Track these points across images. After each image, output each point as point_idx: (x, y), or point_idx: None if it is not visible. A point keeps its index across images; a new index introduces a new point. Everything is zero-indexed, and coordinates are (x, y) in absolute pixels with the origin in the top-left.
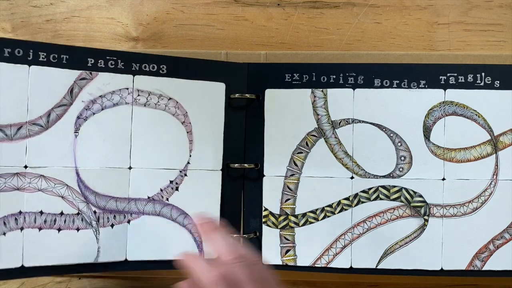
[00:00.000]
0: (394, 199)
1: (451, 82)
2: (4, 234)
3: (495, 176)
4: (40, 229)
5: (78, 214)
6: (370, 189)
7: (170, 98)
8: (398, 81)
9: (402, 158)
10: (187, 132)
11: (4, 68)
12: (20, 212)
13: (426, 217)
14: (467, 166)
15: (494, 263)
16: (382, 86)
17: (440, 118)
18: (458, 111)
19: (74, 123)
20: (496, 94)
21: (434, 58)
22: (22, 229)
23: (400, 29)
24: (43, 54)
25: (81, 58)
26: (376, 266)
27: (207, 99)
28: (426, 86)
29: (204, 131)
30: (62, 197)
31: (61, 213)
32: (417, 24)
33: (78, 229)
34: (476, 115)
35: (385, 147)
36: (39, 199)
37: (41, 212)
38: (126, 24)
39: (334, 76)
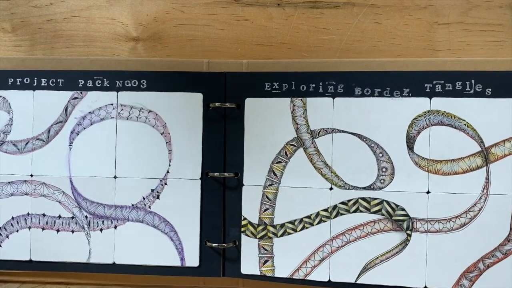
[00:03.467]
0: (374, 212)
1: (437, 90)
2: (17, 231)
3: (485, 190)
4: (43, 229)
5: (72, 217)
6: (349, 200)
7: (150, 111)
8: (380, 90)
9: (384, 170)
10: (167, 143)
11: (16, 94)
12: (28, 214)
13: (409, 232)
14: (454, 179)
15: (484, 283)
16: (363, 95)
17: (425, 128)
18: (445, 120)
19: (69, 137)
20: (488, 103)
21: (421, 65)
22: (29, 228)
23: (400, 29)
24: (44, 80)
25: (73, 80)
26: (356, 281)
27: (185, 110)
28: (410, 95)
29: (182, 141)
30: (60, 202)
31: (59, 216)
32: (417, 24)
33: (73, 231)
34: (465, 124)
35: (366, 157)
36: (42, 203)
37: (44, 215)
38: (126, 24)
39: (314, 85)
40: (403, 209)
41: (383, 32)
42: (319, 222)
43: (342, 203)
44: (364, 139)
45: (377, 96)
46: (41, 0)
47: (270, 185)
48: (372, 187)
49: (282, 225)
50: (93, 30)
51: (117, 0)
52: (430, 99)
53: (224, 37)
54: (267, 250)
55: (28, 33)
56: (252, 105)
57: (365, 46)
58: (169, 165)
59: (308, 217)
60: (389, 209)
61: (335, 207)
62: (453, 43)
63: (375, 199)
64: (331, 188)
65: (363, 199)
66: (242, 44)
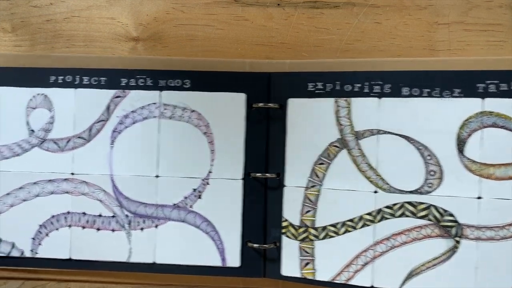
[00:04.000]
0: (421, 217)
1: (490, 90)
2: (57, 229)
3: None
4: (83, 227)
5: (113, 216)
6: (395, 205)
7: (193, 111)
8: (429, 90)
9: (432, 173)
10: (209, 142)
11: (58, 92)
12: (68, 212)
13: (457, 239)
14: (508, 184)
15: None
16: (411, 95)
17: (477, 130)
18: (499, 122)
19: (110, 136)
20: None
21: (470, 64)
22: (70, 226)
23: (400, 29)
24: (86, 78)
25: (116, 79)
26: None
27: (228, 110)
28: (462, 95)
29: (225, 141)
30: (100, 200)
31: (100, 215)
32: (417, 24)
33: (113, 230)
34: None
35: (413, 160)
36: (82, 201)
37: (84, 213)
38: (126, 24)
39: (359, 85)
40: (451, 215)
41: (383, 32)
42: (362, 226)
43: (387, 207)
44: (412, 141)
45: (426, 97)
46: (41, 0)
47: (312, 186)
48: (419, 191)
49: (324, 228)
50: (93, 30)
51: (117, 0)
52: (483, 100)
53: (224, 37)
54: (308, 253)
55: (28, 33)
56: (294, 105)
57: (365, 46)
58: (211, 165)
59: (351, 220)
60: (437, 215)
61: (379, 211)
62: (453, 43)
63: (422, 203)
64: (375, 191)
65: (409, 203)
66: (242, 44)
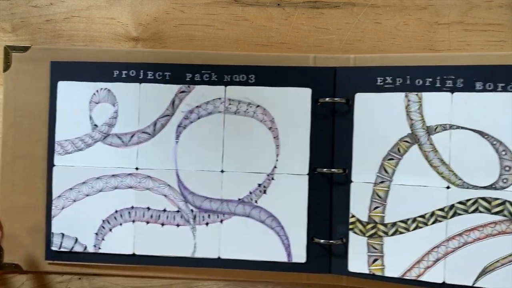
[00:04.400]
0: (496, 213)
1: None
2: (121, 224)
3: None
4: (147, 222)
5: (178, 211)
6: (468, 200)
7: (258, 106)
8: (503, 84)
9: (507, 169)
10: (274, 137)
11: (122, 87)
12: (132, 207)
13: None
14: None
15: None
16: (484, 90)
17: None
18: None
19: (175, 131)
20: None
21: None
22: (133, 221)
23: (400, 29)
24: (150, 73)
25: (180, 74)
26: (473, 284)
27: (293, 105)
28: None
29: (290, 136)
30: (165, 195)
31: (164, 210)
32: (417, 24)
33: (178, 225)
34: None
35: (487, 155)
36: (147, 196)
37: (148, 208)
38: (126, 24)
39: (430, 79)
40: None
41: (383, 32)
42: (434, 222)
43: (460, 202)
44: (486, 136)
45: (500, 91)
46: (41, 0)
47: (381, 182)
48: (493, 186)
49: (394, 224)
50: (93, 30)
51: (117, 0)
52: None
53: (224, 37)
54: (377, 249)
55: (28, 33)
56: (362, 100)
57: (365, 46)
58: (277, 160)
59: (422, 216)
60: None
61: (452, 206)
62: (453, 43)
63: (497, 199)
64: (448, 187)
65: (484, 199)
66: (242, 44)
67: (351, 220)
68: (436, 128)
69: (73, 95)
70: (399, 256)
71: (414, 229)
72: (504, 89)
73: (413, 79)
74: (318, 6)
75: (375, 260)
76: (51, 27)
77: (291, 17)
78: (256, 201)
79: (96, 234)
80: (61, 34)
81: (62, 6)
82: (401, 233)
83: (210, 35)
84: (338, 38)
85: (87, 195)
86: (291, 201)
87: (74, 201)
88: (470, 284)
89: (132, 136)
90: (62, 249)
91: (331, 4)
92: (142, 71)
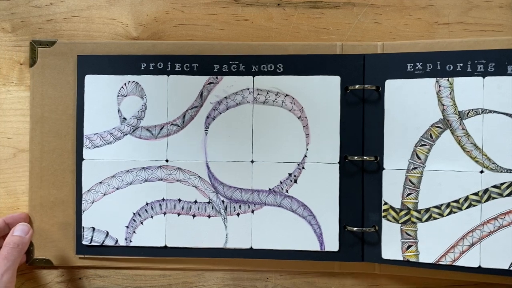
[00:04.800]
0: None
1: None
2: (152, 217)
3: None
4: (178, 214)
5: (209, 202)
6: (502, 184)
7: (286, 95)
8: None
9: None
10: (304, 126)
11: (150, 79)
12: (163, 199)
13: None
14: None
15: None
16: None
17: None
18: None
19: (204, 122)
20: None
21: None
22: (165, 213)
23: (400, 29)
24: (178, 65)
25: (208, 65)
26: (510, 267)
27: (323, 93)
28: None
29: (320, 125)
30: (196, 187)
31: (195, 201)
32: (417, 24)
33: (209, 216)
34: None
35: None
36: (177, 188)
37: (179, 200)
38: (126, 24)
39: (461, 64)
40: None
41: (383, 32)
42: (468, 207)
43: (494, 186)
44: None
45: None
46: (41, 0)
47: (414, 168)
48: None
49: (427, 210)
50: (93, 30)
51: (117, 0)
52: None
53: (224, 37)
54: (411, 235)
55: (28, 33)
56: (393, 86)
57: None
58: (307, 149)
59: (456, 201)
60: None
61: (486, 190)
62: None
63: None
64: (481, 171)
65: None
66: None
67: (383, 207)
68: (468, 113)
69: (100, 88)
70: (433, 242)
71: (448, 214)
72: None
73: (443, 64)
74: (318, 6)
75: (409, 247)
76: (51, 27)
77: (291, 17)
78: (287, 191)
79: (127, 227)
80: (61, 34)
81: (62, 6)
82: (435, 218)
83: (210, 35)
84: (338, 38)
85: (117, 189)
86: (322, 189)
87: (104, 194)
88: (506, 267)
89: (161, 129)
90: (93, 243)
91: (331, 4)
92: (169, 63)
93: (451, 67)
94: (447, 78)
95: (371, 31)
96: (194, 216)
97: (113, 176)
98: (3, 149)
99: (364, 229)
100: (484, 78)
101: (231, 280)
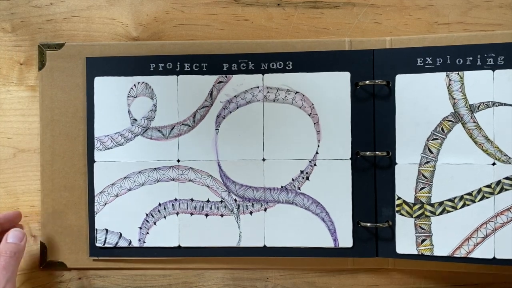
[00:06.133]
0: None
1: None
2: (165, 217)
3: None
4: (191, 214)
5: (221, 201)
6: None
7: (296, 92)
8: None
9: None
10: (314, 123)
11: (159, 80)
12: (176, 199)
13: None
14: None
15: None
16: None
17: None
18: None
19: (215, 122)
20: None
21: None
22: (177, 213)
23: (400, 29)
24: (187, 65)
25: (217, 64)
26: None
27: (333, 89)
28: None
29: (331, 121)
30: (208, 186)
31: (208, 201)
32: (417, 24)
33: (222, 215)
34: None
35: None
36: (190, 188)
37: (192, 200)
38: (126, 24)
39: (471, 58)
40: None
41: (383, 32)
42: (481, 199)
43: (507, 178)
44: None
45: None
46: (41, 0)
47: (426, 163)
48: None
49: (441, 203)
50: (93, 30)
51: (117, 0)
52: None
53: (224, 37)
54: (425, 229)
55: (28, 33)
56: (403, 81)
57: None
58: (318, 146)
59: (469, 194)
60: None
61: (498, 182)
62: None
63: None
64: (493, 164)
65: None
66: None
67: (397, 202)
68: (479, 106)
69: (110, 90)
70: (447, 235)
71: (462, 207)
72: None
73: (453, 58)
74: (318, 6)
75: (423, 241)
76: (51, 27)
77: (291, 17)
78: (299, 188)
79: (140, 228)
80: (61, 34)
81: (62, 6)
82: (448, 211)
83: (210, 35)
84: (338, 38)
85: (130, 190)
86: (335, 186)
87: (117, 196)
88: None
89: (172, 129)
90: (106, 245)
91: (331, 4)
92: (178, 63)
93: (461, 61)
94: (457, 72)
95: (371, 31)
96: (207, 215)
97: (125, 177)
98: (3, 149)
99: (377, 224)
100: (494, 71)
101: (231, 280)
